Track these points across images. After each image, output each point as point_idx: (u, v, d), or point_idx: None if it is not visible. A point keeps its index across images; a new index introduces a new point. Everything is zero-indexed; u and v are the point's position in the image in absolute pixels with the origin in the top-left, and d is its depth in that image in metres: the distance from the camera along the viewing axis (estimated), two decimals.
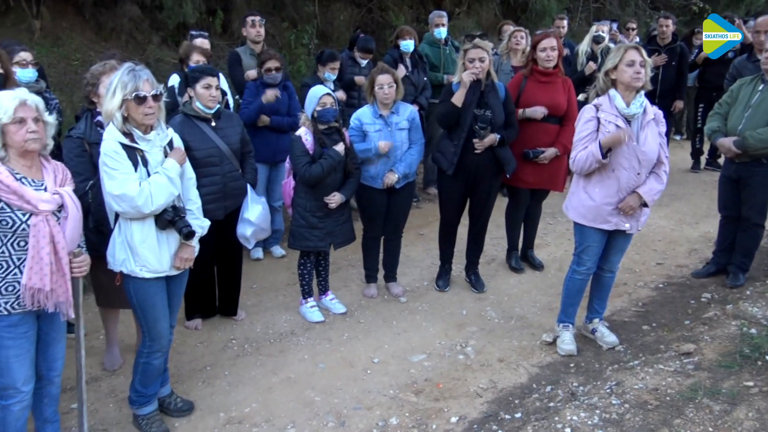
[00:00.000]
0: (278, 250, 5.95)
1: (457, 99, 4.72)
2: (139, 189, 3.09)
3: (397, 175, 4.82)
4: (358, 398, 3.90)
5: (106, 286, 3.76)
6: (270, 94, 5.34)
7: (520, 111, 5.13)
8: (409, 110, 4.97)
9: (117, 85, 3.07)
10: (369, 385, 4.03)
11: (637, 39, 9.41)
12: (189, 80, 4.22)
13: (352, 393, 3.95)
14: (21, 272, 2.83)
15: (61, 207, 2.91)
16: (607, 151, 3.85)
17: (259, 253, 5.85)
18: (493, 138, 4.76)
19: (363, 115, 4.84)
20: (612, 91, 3.95)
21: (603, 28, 7.53)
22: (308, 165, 4.41)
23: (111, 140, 3.13)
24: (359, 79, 6.31)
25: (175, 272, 3.36)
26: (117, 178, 3.10)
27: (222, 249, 4.54)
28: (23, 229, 2.80)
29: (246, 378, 4.07)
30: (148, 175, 3.18)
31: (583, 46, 7.47)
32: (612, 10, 12.41)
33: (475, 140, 4.76)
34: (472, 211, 5.18)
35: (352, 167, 4.62)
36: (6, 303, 2.83)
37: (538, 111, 5.12)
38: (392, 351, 4.43)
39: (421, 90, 6.75)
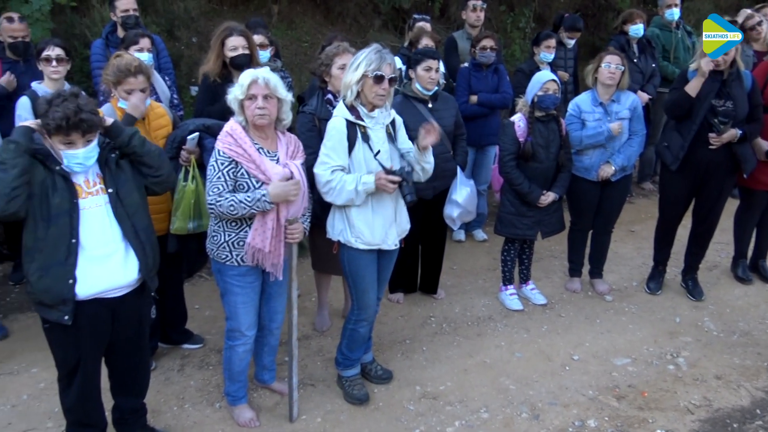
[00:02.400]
0: (480, 234, 5.95)
1: (692, 88, 4.31)
2: (329, 177, 3.23)
3: (613, 168, 4.55)
4: (555, 394, 3.79)
5: (323, 253, 4.03)
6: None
7: None
8: (631, 99, 4.64)
9: (363, 60, 3.21)
10: (566, 382, 3.89)
11: None
12: (411, 62, 4.33)
13: (549, 387, 3.84)
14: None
15: (290, 179, 3.16)
16: None
17: (461, 235, 5.90)
18: (733, 134, 4.29)
19: (582, 102, 4.62)
20: None
21: None
22: (513, 161, 4.35)
23: (338, 117, 3.31)
24: (563, 75, 6.04)
25: (386, 247, 3.48)
26: (321, 158, 3.29)
27: (427, 228, 4.64)
28: None
29: (442, 356, 4.15)
30: (370, 149, 3.30)
31: None
32: None
33: (711, 135, 4.31)
34: (698, 211, 4.74)
35: (564, 158, 4.44)
36: (237, 256, 3.17)
37: None
38: (594, 350, 4.23)
39: (648, 78, 6.26)
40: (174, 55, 5.98)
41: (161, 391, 3.71)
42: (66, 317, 2.68)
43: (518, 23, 8.91)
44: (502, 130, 4.47)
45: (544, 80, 4.28)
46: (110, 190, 2.78)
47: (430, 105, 4.32)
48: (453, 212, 4.55)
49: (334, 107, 3.52)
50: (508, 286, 4.82)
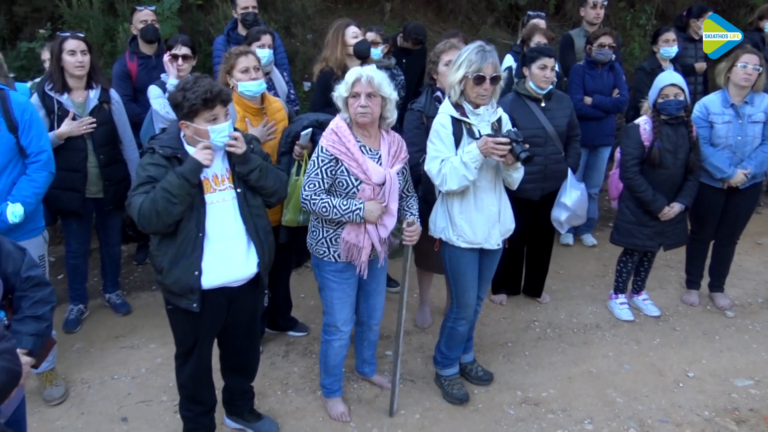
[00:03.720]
0: (589, 239, 5.73)
1: None
2: (437, 168, 3.19)
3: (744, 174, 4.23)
4: (666, 411, 3.58)
5: (426, 251, 4.00)
6: None
7: None
8: (767, 101, 4.29)
9: (464, 61, 3.17)
10: (680, 400, 3.67)
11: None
12: (526, 60, 4.23)
13: (659, 404, 3.64)
14: None
15: (384, 183, 3.16)
16: None
17: (569, 239, 5.71)
18: None
19: (711, 103, 4.32)
20: None
21: None
22: (637, 167, 4.13)
23: (443, 114, 3.29)
24: (700, 66, 5.66)
25: (489, 246, 3.41)
26: (430, 154, 3.26)
27: (534, 230, 4.52)
28: (353, 193, 3.12)
29: (545, 362, 4.03)
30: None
31: None
32: None
33: None
34: None
35: (695, 162, 4.16)
36: (334, 252, 3.22)
37: None
38: (711, 368, 3.96)
39: None
40: (289, 52, 6.16)
41: (267, 374, 3.84)
42: (194, 305, 2.83)
43: (638, 20, 8.49)
44: (626, 132, 4.25)
45: (660, 86, 4.04)
46: (238, 190, 2.89)
47: (543, 104, 4.20)
48: (561, 215, 4.40)
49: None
50: (619, 295, 4.60)
